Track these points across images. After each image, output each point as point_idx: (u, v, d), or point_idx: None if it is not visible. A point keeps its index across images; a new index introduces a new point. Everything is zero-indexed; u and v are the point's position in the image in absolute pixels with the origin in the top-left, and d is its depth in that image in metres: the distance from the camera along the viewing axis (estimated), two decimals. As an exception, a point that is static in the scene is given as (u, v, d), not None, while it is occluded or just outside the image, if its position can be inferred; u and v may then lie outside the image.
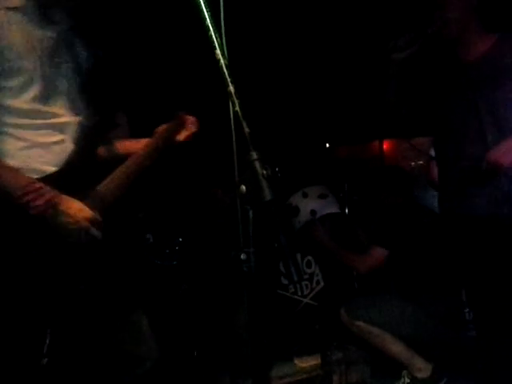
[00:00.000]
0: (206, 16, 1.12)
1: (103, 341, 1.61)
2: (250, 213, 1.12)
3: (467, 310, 2.61)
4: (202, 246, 2.73)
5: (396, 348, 2.60)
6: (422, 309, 2.61)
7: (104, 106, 1.67)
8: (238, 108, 1.09)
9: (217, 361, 2.76)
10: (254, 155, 1.07)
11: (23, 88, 1.46)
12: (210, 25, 1.12)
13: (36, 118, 1.50)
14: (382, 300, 2.71)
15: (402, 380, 2.62)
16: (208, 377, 2.72)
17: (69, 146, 1.53)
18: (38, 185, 1.39)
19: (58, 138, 1.52)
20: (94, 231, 1.45)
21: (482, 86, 2.06)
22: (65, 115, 1.54)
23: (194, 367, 2.76)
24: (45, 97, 1.50)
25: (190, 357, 2.82)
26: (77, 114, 1.57)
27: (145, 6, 2.80)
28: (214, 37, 1.13)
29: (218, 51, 1.12)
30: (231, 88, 1.10)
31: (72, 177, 1.50)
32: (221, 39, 1.14)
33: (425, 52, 2.15)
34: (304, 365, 2.87)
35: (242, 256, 1.10)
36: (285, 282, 3.15)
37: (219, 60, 1.11)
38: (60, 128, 1.53)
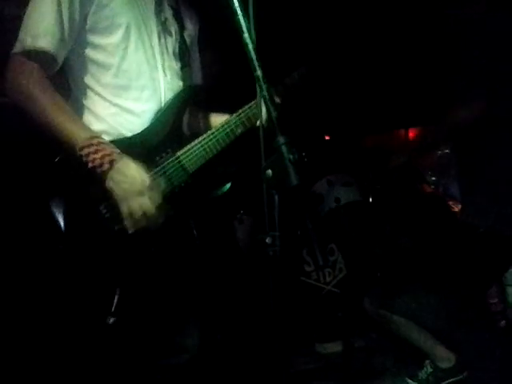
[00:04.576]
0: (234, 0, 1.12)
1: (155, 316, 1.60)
2: (276, 197, 1.13)
3: (494, 301, 2.58)
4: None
5: (419, 337, 2.59)
6: (447, 299, 2.58)
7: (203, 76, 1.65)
8: (265, 92, 1.09)
9: (239, 345, 2.79)
10: (282, 140, 1.07)
11: (120, 46, 1.46)
12: (237, 8, 1.12)
13: (132, 80, 1.49)
14: (406, 289, 2.69)
15: (425, 369, 2.61)
16: (229, 359, 2.75)
17: (159, 111, 1.52)
18: (98, 139, 1.38)
19: (150, 105, 1.52)
20: (146, 200, 1.37)
21: None
22: (161, 79, 1.54)
23: (217, 351, 2.80)
24: (143, 55, 1.49)
25: (213, 341, 2.85)
26: (175, 79, 1.56)
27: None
28: (241, 20, 1.12)
29: (246, 35, 1.11)
30: (259, 72, 1.10)
31: (151, 141, 1.49)
32: (249, 23, 1.13)
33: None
34: (326, 351, 2.89)
35: (268, 240, 1.10)
36: (308, 269, 3.16)
37: (247, 44, 1.11)
38: (154, 94, 1.52)
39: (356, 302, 2.88)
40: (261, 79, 1.09)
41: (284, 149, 1.06)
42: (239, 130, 1.64)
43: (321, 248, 3.12)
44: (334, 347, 2.90)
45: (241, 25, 1.12)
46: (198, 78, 1.72)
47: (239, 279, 2.85)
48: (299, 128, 3.25)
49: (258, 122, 1.71)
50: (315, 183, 3.25)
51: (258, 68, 1.10)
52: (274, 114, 1.07)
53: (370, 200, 3.91)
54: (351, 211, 3.13)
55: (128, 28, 1.47)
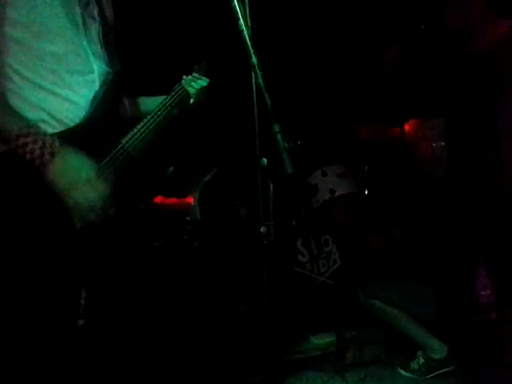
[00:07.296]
0: (230, -14, 1.11)
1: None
2: (271, 186, 1.12)
3: (486, 292, 2.59)
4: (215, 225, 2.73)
5: (412, 328, 2.61)
6: (439, 290, 2.59)
7: (129, 61, 1.63)
8: (260, 80, 1.08)
9: (233, 335, 2.79)
10: (276, 128, 1.06)
11: (46, 25, 1.35)
12: (233, -5, 1.10)
13: (61, 64, 1.40)
14: (399, 280, 2.70)
15: (417, 360, 2.63)
16: (223, 351, 2.75)
17: (95, 99, 1.46)
18: (35, 129, 1.29)
19: (84, 91, 1.45)
20: (91, 191, 1.30)
21: (499, 83, 1.87)
22: (92, 65, 1.47)
23: (209, 341, 2.80)
24: (69, 38, 1.41)
25: (206, 331, 2.86)
26: (103, 65, 1.50)
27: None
28: (237, 7, 1.11)
29: (242, 22, 1.10)
30: (254, 59, 1.09)
31: (94, 131, 1.43)
32: (244, 10, 1.12)
33: (423, 46, 2.04)
34: (319, 341, 2.90)
35: (262, 229, 1.10)
36: (302, 259, 3.16)
37: (242, 31, 1.10)
38: (86, 79, 1.46)
39: (349, 293, 2.89)
40: (256, 66, 1.08)
41: (279, 137, 1.06)
42: (175, 111, 1.66)
43: (315, 237, 3.12)
44: (327, 337, 2.91)
45: (236, 11, 1.11)
46: (118, 62, 1.65)
47: (235, 269, 2.85)
48: (294, 118, 3.24)
49: (191, 101, 1.73)
50: (310, 174, 3.24)
51: (253, 55, 1.09)
52: (268, 102, 1.07)
53: (366, 192, 3.92)
54: (346, 203, 3.13)
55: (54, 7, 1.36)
